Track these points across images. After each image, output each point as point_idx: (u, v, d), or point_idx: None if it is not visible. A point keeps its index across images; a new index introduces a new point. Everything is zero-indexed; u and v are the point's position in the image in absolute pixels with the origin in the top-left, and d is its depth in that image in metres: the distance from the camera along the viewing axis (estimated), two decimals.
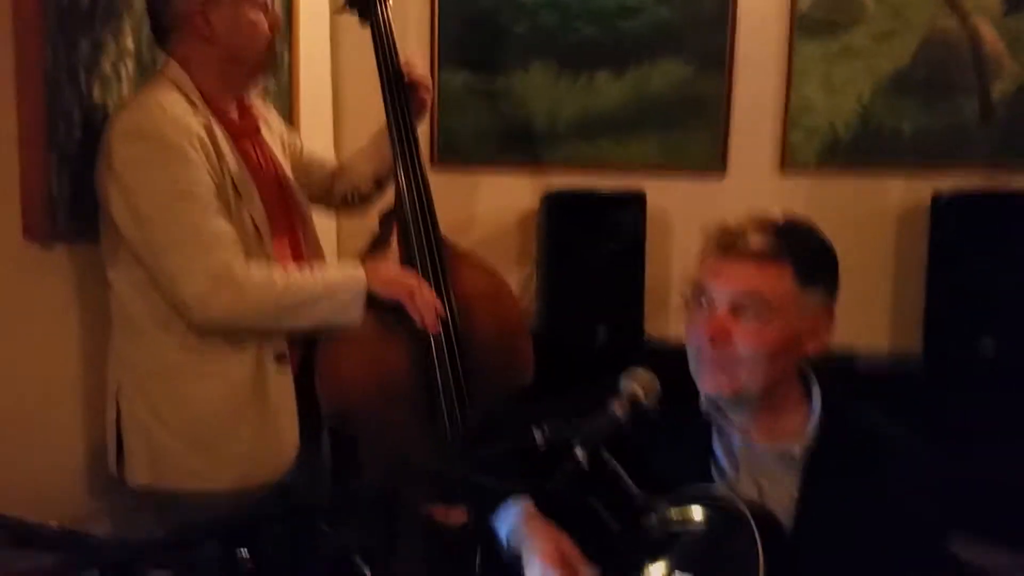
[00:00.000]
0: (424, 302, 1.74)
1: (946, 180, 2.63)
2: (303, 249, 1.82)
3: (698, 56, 2.80)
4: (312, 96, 2.70)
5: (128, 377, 1.65)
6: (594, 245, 2.64)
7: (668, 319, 2.76)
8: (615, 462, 1.18)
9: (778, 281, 1.23)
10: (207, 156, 1.59)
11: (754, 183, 2.80)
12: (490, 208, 2.96)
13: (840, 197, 2.75)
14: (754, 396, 1.25)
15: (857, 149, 2.74)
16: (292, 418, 1.68)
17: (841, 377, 2.50)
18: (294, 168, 1.93)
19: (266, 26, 1.70)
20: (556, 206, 2.70)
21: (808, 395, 1.31)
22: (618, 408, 1.15)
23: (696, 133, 2.83)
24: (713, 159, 2.82)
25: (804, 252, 1.26)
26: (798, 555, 1.18)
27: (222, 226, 1.57)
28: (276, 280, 1.61)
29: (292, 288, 1.62)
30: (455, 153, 2.94)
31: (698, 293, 1.26)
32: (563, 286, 2.67)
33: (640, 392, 1.17)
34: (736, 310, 1.22)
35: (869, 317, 2.74)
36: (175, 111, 1.59)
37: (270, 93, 2.39)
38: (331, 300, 1.65)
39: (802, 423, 1.28)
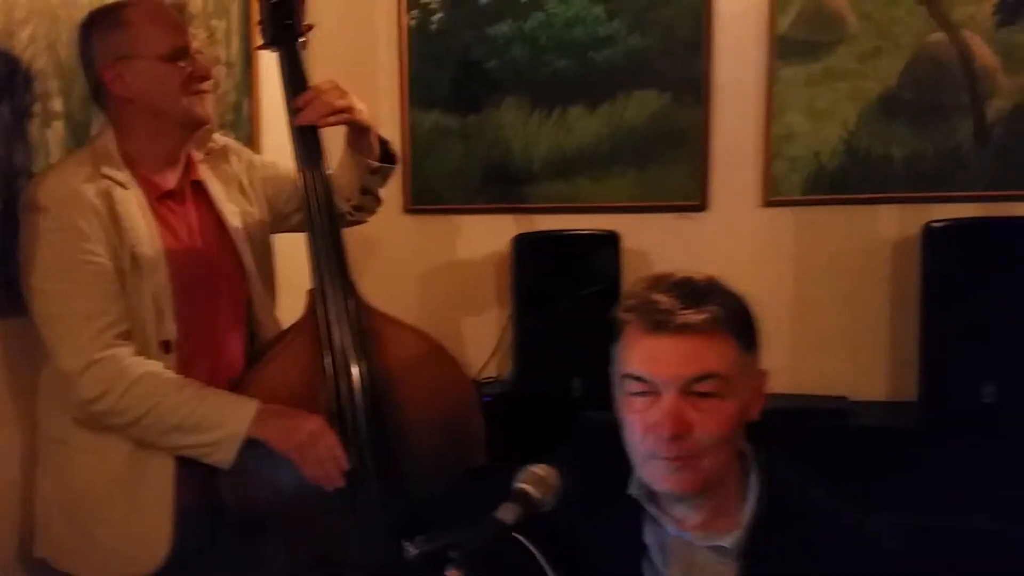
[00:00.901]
0: (320, 455, 1.58)
1: (940, 209, 2.44)
2: (220, 326, 1.72)
3: (674, 85, 2.67)
4: (276, 145, 2.64)
5: (40, 445, 1.63)
6: (567, 289, 2.52)
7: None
8: (537, 551, 1.10)
9: (725, 352, 1.13)
10: (103, 228, 1.52)
11: (737, 218, 2.65)
12: (466, 252, 2.85)
13: (828, 230, 2.60)
14: (711, 486, 1.15)
15: (844, 178, 2.57)
16: (166, 511, 1.57)
17: (833, 430, 2.40)
18: (278, 190, 1.85)
19: (189, 77, 1.62)
20: (527, 249, 2.59)
21: (747, 474, 1.19)
22: (507, 513, 1.04)
23: (674, 167, 2.69)
24: (693, 193, 2.67)
25: (737, 314, 1.16)
26: None
27: (107, 304, 1.51)
28: (156, 391, 1.53)
29: (165, 408, 1.53)
30: (429, 197, 2.85)
31: (635, 382, 1.14)
32: (536, 334, 2.56)
33: (532, 491, 1.06)
34: (688, 394, 1.11)
35: (861, 361, 2.57)
36: (73, 182, 1.53)
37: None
38: (202, 435, 1.54)
39: (740, 509, 1.16)
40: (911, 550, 1.17)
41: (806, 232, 2.61)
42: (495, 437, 1.85)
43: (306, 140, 1.72)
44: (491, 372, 2.78)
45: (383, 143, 1.87)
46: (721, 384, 1.11)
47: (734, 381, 1.13)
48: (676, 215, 2.68)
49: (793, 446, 2.43)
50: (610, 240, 2.53)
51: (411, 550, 1.03)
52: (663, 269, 2.85)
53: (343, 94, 1.72)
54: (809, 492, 1.19)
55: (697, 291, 1.14)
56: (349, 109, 1.72)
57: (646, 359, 1.13)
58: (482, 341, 2.77)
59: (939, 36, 2.48)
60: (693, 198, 2.67)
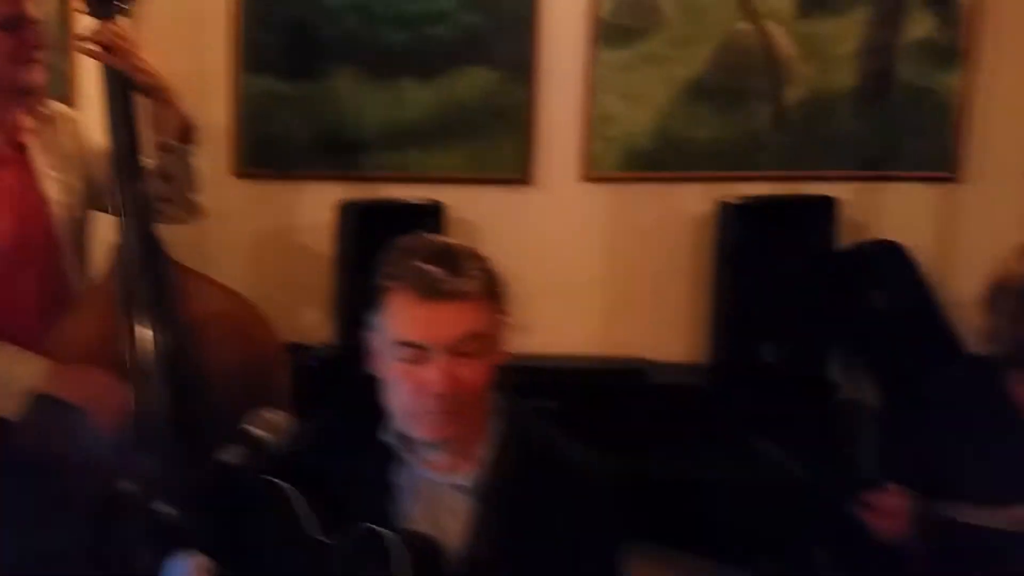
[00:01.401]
0: (110, 407, 1.63)
1: (742, 187, 2.63)
2: (24, 294, 1.73)
3: (504, 63, 2.74)
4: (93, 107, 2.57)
5: None
6: None
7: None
8: (292, 490, 1.18)
9: (486, 314, 1.24)
10: None
11: (558, 193, 2.76)
12: (295, 219, 2.85)
13: (640, 206, 2.74)
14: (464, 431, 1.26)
15: (656, 158, 2.71)
16: None
17: (633, 389, 2.57)
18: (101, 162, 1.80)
19: (20, 45, 1.64)
20: (351, 217, 2.61)
21: (491, 418, 1.31)
22: (230, 453, 1.09)
23: (502, 142, 2.77)
24: (519, 169, 2.76)
25: (493, 278, 1.27)
26: None
27: None
28: None
29: None
30: (259, 161, 2.83)
31: (407, 348, 1.21)
32: (359, 301, 2.58)
33: (259, 433, 1.12)
34: (455, 354, 1.21)
35: (663, 326, 2.73)
36: None
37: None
38: None
39: (483, 450, 1.28)
40: (640, 491, 1.34)
41: (621, 207, 2.75)
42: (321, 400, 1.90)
43: (114, 93, 1.71)
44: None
45: (185, 127, 1.83)
46: (483, 343, 1.23)
47: (492, 339, 1.25)
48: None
49: (598, 403, 2.61)
50: (434, 211, 2.58)
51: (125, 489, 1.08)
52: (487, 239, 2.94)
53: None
54: (545, 436, 1.34)
55: (459, 259, 1.24)
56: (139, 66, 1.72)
57: (420, 326, 1.21)
58: (311, 307, 2.79)
59: (745, 25, 2.66)
60: (518, 173, 2.77)
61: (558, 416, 2.48)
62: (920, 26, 2.58)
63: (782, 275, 2.44)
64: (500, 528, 1.25)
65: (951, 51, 2.57)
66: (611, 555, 1.31)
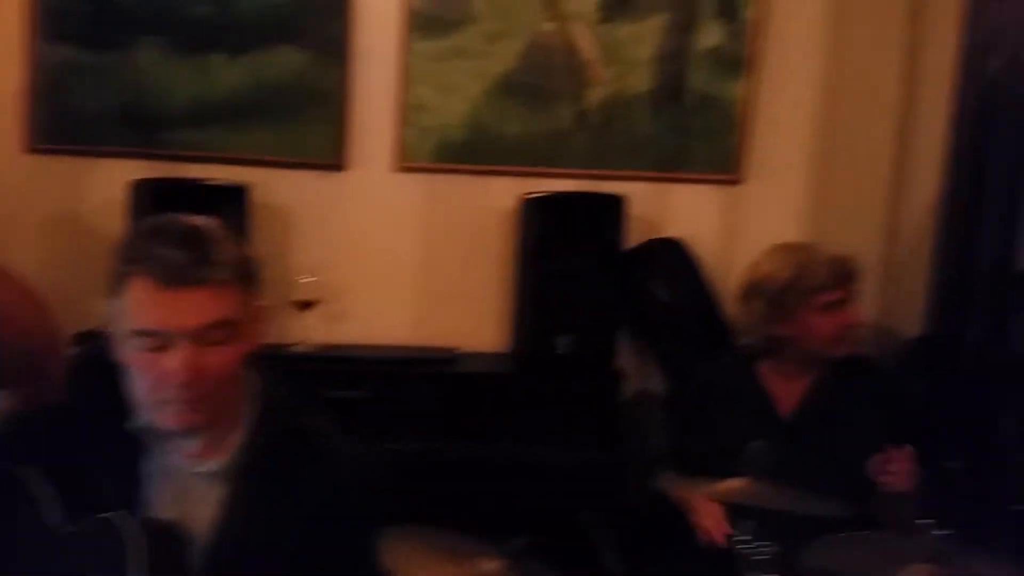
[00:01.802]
0: None
1: (549, 183, 2.74)
2: None
3: (316, 45, 2.72)
4: None
5: None
6: None
7: (277, 322, 2.68)
8: (34, 476, 1.14)
9: (234, 300, 1.19)
10: None
11: (372, 180, 2.78)
12: (92, 197, 2.73)
13: (451, 197, 2.80)
14: (213, 418, 1.22)
15: (468, 150, 2.78)
16: None
17: (442, 377, 2.66)
18: None
19: None
20: (147, 196, 2.52)
21: (244, 402, 1.28)
22: None
23: (314, 126, 2.76)
24: (331, 154, 2.76)
25: (242, 261, 1.22)
26: (216, 570, 1.19)
27: None
28: None
29: None
30: (55, 136, 2.69)
31: (148, 337, 1.16)
32: None
33: None
34: (200, 342, 1.16)
35: (471, 317, 2.82)
36: None
37: None
38: None
39: (235, 434, 1.25)
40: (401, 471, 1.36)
41: (433, 197, 2.80)
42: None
43: None
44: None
45: None
46: (232, 330, 1.19)
47: (242, 325, 1.20)
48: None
49: (409, 391, 2.67)
50: (236, 193, 2.55)
51: None
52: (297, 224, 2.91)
53: None
54: (301, 418, 1.31)
55: (206, 242, 1.18)
56: None
57: (160, 315, 1.15)
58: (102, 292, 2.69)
59: (551, 26, 2.76)
60: (331, 158, 2.77)
61: (370, 405, 2.59)
62: (710, 36, 2.76)
63: (576, 269, 2.57)
64: (249, 514, 1.23)
65: (737, 60, 2.77)
66: (364, 539, 1.31)
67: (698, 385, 2.26)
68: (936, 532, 1.33)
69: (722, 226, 2.85)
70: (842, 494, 1.95)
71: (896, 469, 1.82)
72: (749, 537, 1.54)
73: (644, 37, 2.76)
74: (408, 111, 2.76)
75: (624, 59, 2.77)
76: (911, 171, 2.79)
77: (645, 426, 2.63)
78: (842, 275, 2.03)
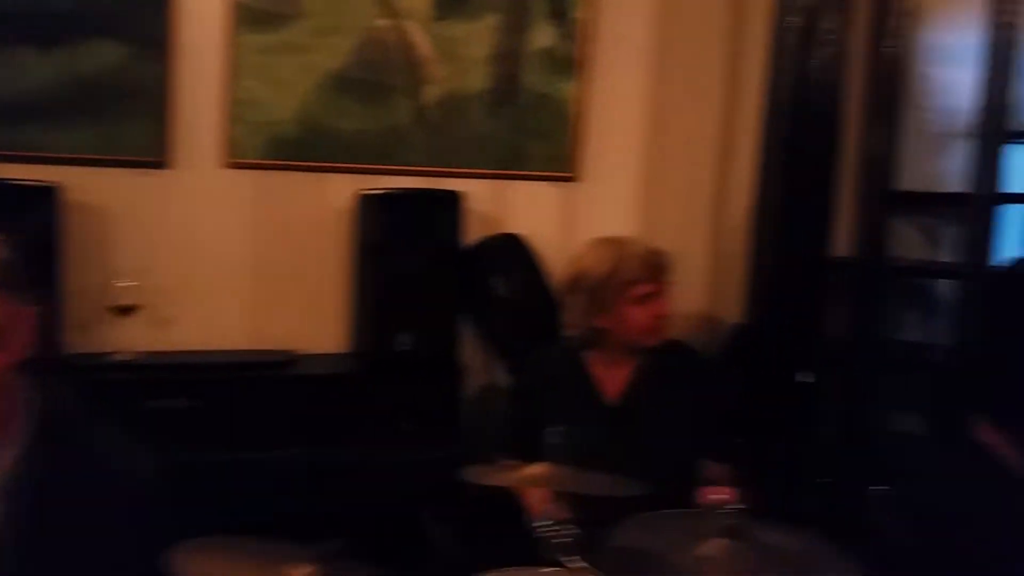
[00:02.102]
0: None
1: (387, 180, 2.71)
2: None
3: (136, 38, 2.57)
4: None
5: None
6: None
7: (93, 330, 2.54)
8: None
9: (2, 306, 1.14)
10: None
11: (199, 178, 2.66)
12: None
13: (284, 195, 2.72)
14: None
15: (300, 147, 2.72)
16: None
17: (280, 381, 2.60)
18: None
19: None
20: None
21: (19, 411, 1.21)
22: None
23: (135, 122, 2.60)
24: (154, 151, 2.62)
25: (7, 265, 1.17)
26: None
27: None
28: None
29: None
30: None
31: None
32: None
33: None
34: None
35: (310, 317, 2.75)
36: None
37: None
38: None
39: (9, 448, 1.18)
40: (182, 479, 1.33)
41: (265, 195, 2.71)
42: None
43: None
44: None
45: None
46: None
47: (9, 332, 1.16)
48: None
49: (244, 397, 2.58)
50: (46, 193, 2.38)
51: None
52: (118, 226, 2.78)
53: None
54: (82, 431, 1.26)
55: None
56: None
57: None
58: None
59: (384, 23, 2.74)
60: (153, 156, 2.63)
61: (201, 413, 2.49)
62: (543, 36, 2.82)
63: (415, 266, 2.57)
64: (29, 526, 1.18)
65: (569, 61, 2.84)
66: (150, 550, 1.27)
67: (529, 376, 2.31)
68: (732, 507, 1.40)
69: (560, 222, 2.91)
70: (667, 473, 2.05)
71: (719, 490, 1.92)
72: (551, 521, 1.57)
73: (478, 36, 2.79)
74: (236, 106, 2.66)
75: (459, 58, 2.79)
76: (734, 167, 2.95)
77: (488, 420, 2.65)
78: (655, 268, 2.13)
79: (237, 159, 2.69)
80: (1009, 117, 1.61)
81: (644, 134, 2.91)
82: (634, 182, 2.93)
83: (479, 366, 2.78)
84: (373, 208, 2.61)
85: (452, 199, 2.65)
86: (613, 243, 2.19)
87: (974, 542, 1.70)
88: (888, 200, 2.27)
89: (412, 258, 2.58)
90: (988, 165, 1.53)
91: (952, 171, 2.72)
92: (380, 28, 2.73)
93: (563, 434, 1.61)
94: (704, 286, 2.92)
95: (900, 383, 2.26)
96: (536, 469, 1.61)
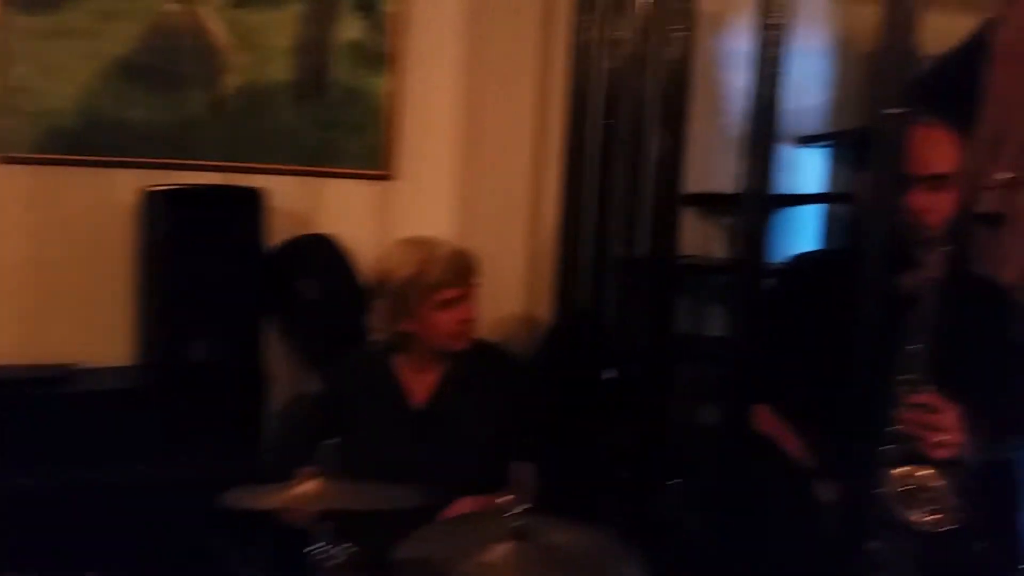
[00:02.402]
0: None
1: (180, 175, 2.51)
2: None
3: None
4: None
5: None
6: None
7: None
8: None
9: None
10: None
11: None
12: None
13: (65, 193, 2.47)
14: None
15: (81, 139, 2.47)
16: None
17: (58, 397, 2.34)
18: None
19: None
20: None
21: None
22: None
23: None
24: None
25: None
26: None
27: None
28: None
29: None
30: None
31: None
32: None
33: None
34: None
35: (94, 327, 2.51)
36: None
37: None
38: None
39: None
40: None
41: (41, 193, 2.45)
42: None
43: None
44: None
45: None
46: None
47: None
48: None
49: (14, 416, 2.31)
50: None
51: None
52: None
53: None
54: None
55: None
56: None
57: None
58: None
59: (175, 7, 2.54)
60: None
61: None
62: (350, 28, 2.70)
63: (211, 269, 2.38)
64: None
65: (380, 55, 2.73)
66: None
67: (331, 383, 2.19)
68: (519, 509, 1.33)
69: (375, 222, 2.79)
70: (474, 476, 1.99)
71: (517, 490, 1.87)
72: (323, 543, 1.46)
73: (280, 25, 2.62)
74: (6, 95, 2.39)
75: (260, 47, 2.61)
76: (548, 165, 2.92)
77: (296, 432, 2.49)
78: (461, 271, 2.06)
79: (9, 153, 2.41)
80: (778, 119, 1.66)
81: (459, 131, 2.83)
82: (451, 180, 2.85)
83: (287, 375, 2.62)
84: (162, 206, 2.39)
85: (252, 197, 2.47)
86: (418, 244, 2.10)
87: (760, 531, 1.74)
88: (679, 201, 2.31)
89: (207, 260, 2.38)
90: (759, 167, 1.56)
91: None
92: (171, 13, 2.52)
93: (336, 448, 1.51)
94: (521, 286, 2.87)
95: (698, 377, 2.30)
96: (306, 487, 1.48)
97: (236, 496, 1.52)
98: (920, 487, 1.55)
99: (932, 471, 1.57)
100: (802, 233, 2.92)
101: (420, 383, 2.10)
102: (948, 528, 1.54)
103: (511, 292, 2.88)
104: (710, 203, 2.83)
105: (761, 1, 1.58)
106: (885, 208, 1.42)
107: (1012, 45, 2.02)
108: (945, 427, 1.62)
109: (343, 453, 2.08)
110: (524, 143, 2.92)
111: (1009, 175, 1.90)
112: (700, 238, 2.87)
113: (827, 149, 2.91)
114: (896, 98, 1.34)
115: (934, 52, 2.64)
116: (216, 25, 2.58)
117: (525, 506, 1.33)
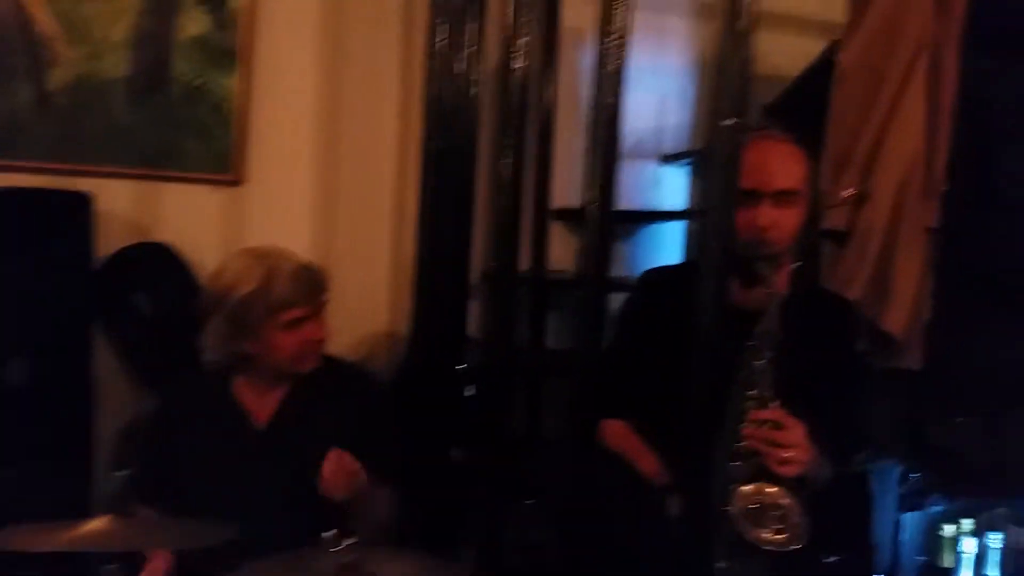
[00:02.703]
0: None
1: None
2: None
3: None
4: None
5: None
6: None
7: None
8: None
9: None
10: None
11: None
12: None
13: None
14: None
15: None
16: None
17: None
18: None
19: None
20: None
21: None
22: None
23: None
24: None
25: None
26: None
27: None
28: None
29: None
30: None
31: None
32: None
33: None
34: None
35: None
36: None
37: None
38: None
39: None
40: None
41: None
42: None
43: None
44: None
45: None
46: None
47: None
48: None
49: None
50: None
51: None
52: None
53: None
54: None
55: None
56: None
57: None
58: None
59: None
60: None
61: None
62: (194, 23, 2.51)
63: (28, 280, 2.16)
64: None
65: (227, 52, 2.55)
66: None
67: (164, 408, 2.02)
68: (346, 542, 1.24)
69: (221, 230, 2.60)
70: (318, 503, 1.86)
71: (333, 476, 1.76)
72: None
73: (114, 17, 2.40)
74: None
75: (92, 39, 2.40)
76: (412, 172, 2.81)
77: (128, 458, 2.30)
78: (308, 289, 1.91)
79: None
80: (620, 135, 1.64)
81: (315, 134, 2.69)
82: (306, 186, 2.70)
83: (121, 396, 2.40)
84: None
85: (81, 201, 2.25)
86: (260, 257, 1.93)
87: (612, 548, 1.70)
88: (543, 217, 2.27)
89: (29, 271, 2.16)
90: (603, 181, 1.53)
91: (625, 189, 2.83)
92: None
93: (124, 479, 1.36)
94: (382, 299, 2.76)
95: (554, 391, 2.27)
96: (96, 524, 1.33)
97: (9, 538, 1.34)
98: (767, 505, 1.54)
99: (779, 489, 1.57)
100: (667, 249, 2.95)
101: (262, 404, 1.95)
102: (795, 547, 1.54)
103: (371, 306, 2.76)
104: (574, 218, 2.81)
105: (602, 17, 1.55)
106: (719, 219, 1.40)
107: (853, 67, 2.08)
108: (791, 443, 1.63)
109: (180, 481, 1.92)
110: (387, 149, 2.80)
111: (852, 192, 1.95)
112: (569, 253, 2.85)
113: (688, 167, 2.95)
114: (729, 111, 1.33)
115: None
116: (43, 14, 2.35)
117: (351, 540, 1.24)
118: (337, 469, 1.76)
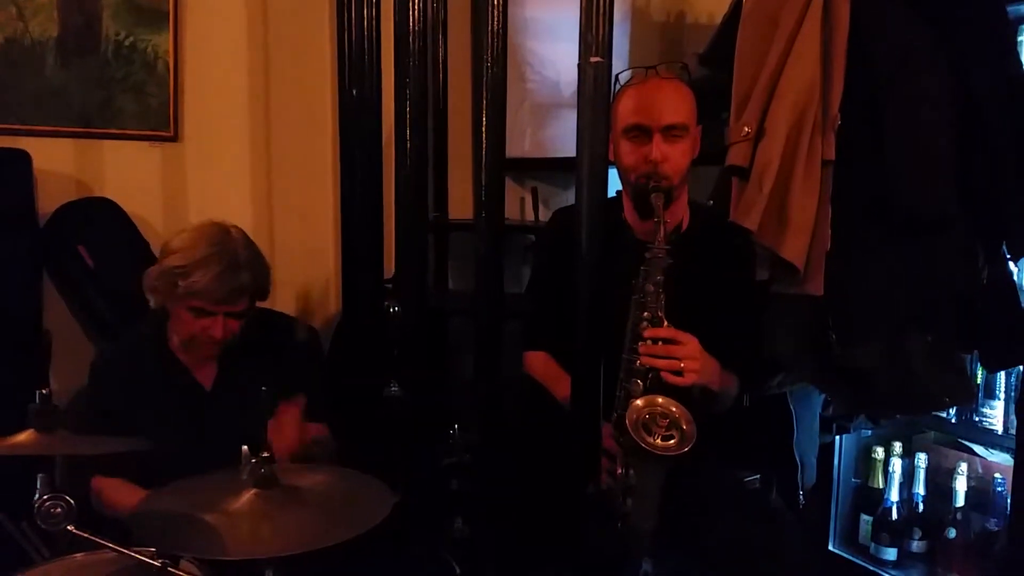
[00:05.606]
0: None
1: None
2: None
3: None
4: None
5: None
6: None
7: None
8: None
9: None
10: None
11: None
12: None
13: None
14: None
15: None
16: None
17: None
18: None
19: None
20: None
21: None
22: None
23: None
24: None
25: None
26: None
27: None
28: None
29: None
30: None
31: None
32: None
33: None
34: None
35: None
36: None
37: None
38: None
39: None
40: None
41: None
42: None
43: None
44: None
45: None
46: None
47: None
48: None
49: None
50: None
51: None
52: None
53: None
54: None
55: None
56: None
57: None
58: None
59: None
60: None
61: None
62: None
63: None
64: None
65: (158, 10, 2.61)
66: None
67: (104, 366, 2.09)
68: (258, 457, 1.35)
69: (160, 185, 2.69)
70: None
71: (282, 429, 1.87)
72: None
73: None
74: None
75: (18, 1, 2.45)
76: None
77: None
78: (223, 295, 1.94)
79: None
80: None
81: (249, 89, 2.76)
82: (244, 141, 2.78)
83: (72, 350, 2.50)
84: None
85: (19, 158, 2.34)
86: (213, 241, 1.97)
87: (530, 473, 1.83)
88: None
89: None
90: (492, 128, 1.62)
91: (562, 137, 2.91)
92: None
93: (45, 397, 1.46)
94: (325, 248, 2.87)
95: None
96: (19, 437, 1.43)
97: None
98: (657, 414, 1.67)
99: (668, 399, 1.70)
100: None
101: (201, 363, 2.06)
102: (685, 449, 1.66)
103: (311, 258, 2.87)
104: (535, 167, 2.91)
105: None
106: (591, 155, 1.51)
107: (753, 9, 2.16)
108: (684, 356, 1.76)
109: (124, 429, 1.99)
110: (321, 102, 2.87)
111: (749, 130, 2.05)
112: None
113: None
114: (595, 48, 1.43)
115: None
116: None
117: (264, 455, 1.36)
118: (282, 426, 1.87)
